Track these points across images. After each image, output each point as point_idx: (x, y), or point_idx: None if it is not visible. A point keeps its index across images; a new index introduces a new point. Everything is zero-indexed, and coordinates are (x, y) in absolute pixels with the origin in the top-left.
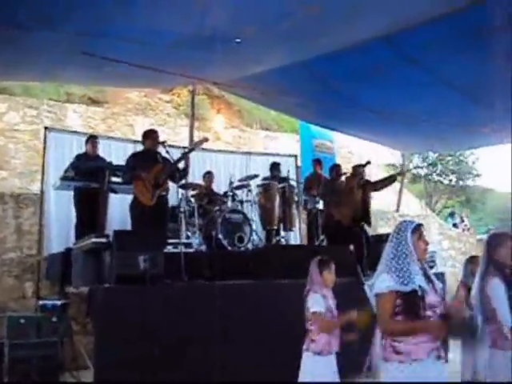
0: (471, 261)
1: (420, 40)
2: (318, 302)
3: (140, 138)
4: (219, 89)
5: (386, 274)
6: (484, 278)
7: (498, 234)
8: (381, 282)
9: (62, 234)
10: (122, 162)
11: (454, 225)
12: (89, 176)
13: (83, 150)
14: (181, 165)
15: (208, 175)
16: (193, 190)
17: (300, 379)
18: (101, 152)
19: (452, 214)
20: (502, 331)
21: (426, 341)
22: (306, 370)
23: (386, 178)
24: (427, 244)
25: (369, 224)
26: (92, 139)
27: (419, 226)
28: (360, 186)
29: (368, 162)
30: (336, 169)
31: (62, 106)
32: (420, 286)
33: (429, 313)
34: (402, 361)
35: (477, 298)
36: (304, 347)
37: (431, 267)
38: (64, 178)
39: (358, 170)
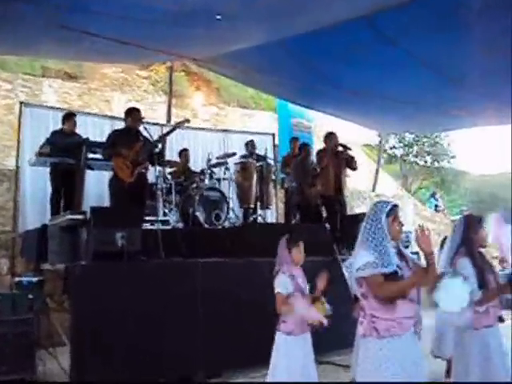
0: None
1: (399, 21)
2: (284, 283)
3: (117, 114)
4: (198, 66)
5: (365, 251)
6: (453, 258)
7: (475, 216)
8: (360, 261)
9: (37, 210)
10: (99, 139)
11: (436, 206)
12: (65, 152)
13: (59, 125)
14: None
15: (184, 152)
16: (170, 167)
17: (272, 359)
18: (78, 128)
19: (433, 195)
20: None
21: (406, 317)
22: (277, 350)
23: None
24: (401, 225)
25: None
26: (70, 117)
27: (394, 207)
28: (333, 154)
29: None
30: (304, 147)
31: (38, 80)
32: (398, 266)
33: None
34: (382, 337)
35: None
36: (277, 327)
37: (406, 247)
38: (40, 154)
39: (331, 138)
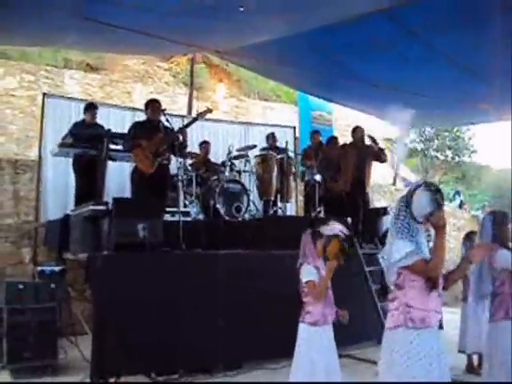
0: (470, 237)
1: (421, 15)
2: (311, 272)
3: (138, 106)
4: (219, 58)
5: (404, 241)
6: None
7: (502, 212)
8: (401, 249)
9: (59, 200)
10: (120, 130)
11: (461, 202)
12: (87, 143)
13: (81, 116)
14: (180, 137)
15: (204, 144)
16: (190, 158)
17: (296, 350)
18: (99, 119)
19: (458, 193)
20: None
21: (437, 310)
22: (301, 341)
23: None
24: None
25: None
26: (91, 108)
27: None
28: (359, 148)
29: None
30: (333, 140)
31: (60, 71)
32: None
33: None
34: (415, 328)
35: (477, 275)
36: (300, 319)
37: (427, 241)
38: (62, 145)
39: (358, 132)
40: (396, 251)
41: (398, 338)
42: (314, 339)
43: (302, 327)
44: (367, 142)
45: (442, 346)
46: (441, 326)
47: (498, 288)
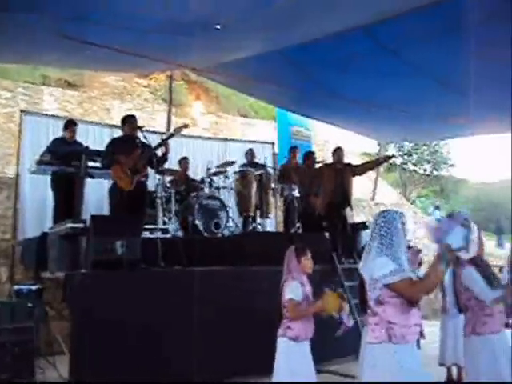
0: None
1: (397, 31)
2: (295, 289)
3: (117, 123)
4: (197, 75)
5: (388, 259)
6: (457, 269)
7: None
8: (386, 267)
9: (37, 218)
10: (99, 147)
11: (439, 219)
12: (65, 160)
13: (59, 134)
14: (159, 151)
15: (184, 161)
16: (169, 175)
17: (276, 364)
18: (77, 136)
19: (438, 208)
20: (478, 317)
21: (417, 324)
22: (281, 356)
23: (369, 161)
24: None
25: (350, 207)
26: (71, 125)
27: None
28: (338, 169)
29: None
30: (309, 156)
31: (38, 88)
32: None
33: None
34: (396, 343)
35: (450, 290)
36: (280, 333)
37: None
38: (40, 162)
39: (338, 153)
40: (379, 268)
41: (379, 352)
42: (294, 354)
43: (281, 342)
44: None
45: (419, 359)
46: (422, 336)
47: (467, 302)
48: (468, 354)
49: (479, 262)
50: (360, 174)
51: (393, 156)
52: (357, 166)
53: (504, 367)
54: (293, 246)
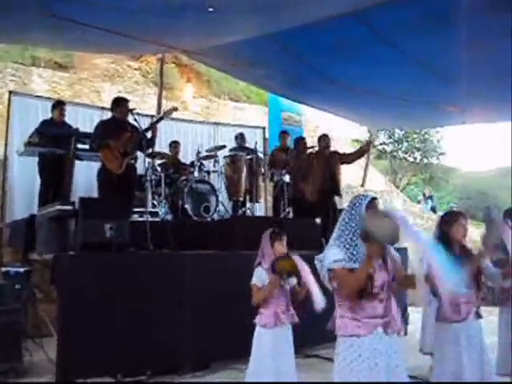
0: None
1: (390, 18)
2: (260, 275)
3: (107, 105)
4: (189, 58)
5: (337, 247)
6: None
7: (452, 212)
8: (331, 256)
9: (25, 200)
10: (89, 129)
11: (433, 208)
12: (54, 142)
13: (49, 115)
14: (148, 134)
15: (174, 144)
16: (159, 159)
17: (251, 351)
18: (67, 118)
19: (430, 197)
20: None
21: (371, 317)
22: (254, 342)
23: (355, 152)
24: None
25: (339, 195)
26: (59, 105)
27: (373, 200)
28: (326, 157)
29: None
30: (300, 141)
31: (27, 69)
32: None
33: (376, 290)
34: (349, 335)
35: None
36: (255, 320)
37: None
38: (28, 144)
39: (324, 140)
40: (328, 257)
41: (339, 341)
42: (263, 341)
43: (256, 329)
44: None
45: (392, 349)
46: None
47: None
48: (435, 339)
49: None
50: (347, 163)
51: (371, 142)
52: (344, 154)
53: (467, 357)
54: (269, 230)
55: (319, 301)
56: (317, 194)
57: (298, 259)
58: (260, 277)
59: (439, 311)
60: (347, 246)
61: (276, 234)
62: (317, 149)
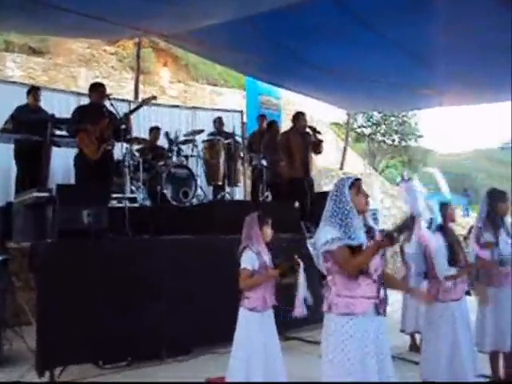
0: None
1: (368, 0)
2: (251, 259)
3: (83, 91)
4: (166, 42)
5: (330, 226)
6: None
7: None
8: (327, 235)
9: (1, 187)
10: (65, 115)
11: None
12: (30, 128)
13: (24, 101)
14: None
15: (155, 130)
16: (137, 144)
17: (236, 335)
18: (43, 104)
19: (410, 179)
20: (440, 284)
21: (366, 296)
22: (241, 326)
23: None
24: (367, 197)
25: (308, 174)
26: (34, 90)
27: (357, 180)
28: (301, 135)
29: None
30: (272, 125)
31: (1, 55)
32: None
33: (372, 271)
34: (342, 314)
35: (419, 258)
36: (240, 303)
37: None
38: (3, 130)
39: (298, 118)
40: (321, 237)
41: (331, 322)
42: (253, 324)
43: (241, 312)
44: (308, 131)
45: (380, 330)
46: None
47: (431, 271)
48: (428, 319)
49: (448, 231)
50: (316, 150)
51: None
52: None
53: (462, 334)
54: (255, 213)
55: (302, 309)
56: (298, 175)
57: (301, 268)
58: (251, 260)
59: (432, 291)
60: (340, 223)
61: (263, 218)
62: (291, 127)
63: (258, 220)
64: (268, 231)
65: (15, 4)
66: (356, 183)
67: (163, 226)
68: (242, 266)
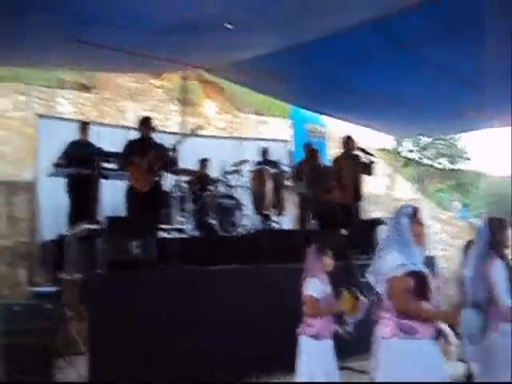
0: (470, 245)
1: (410, 24)
2: (315, 286)
3: (132, 124)
4: (210, 74)
5: (397, 252)
6: (484, 261)
7: (497, 218)
8: (395, 260)
9: (54, 221)
10: (114, 148)
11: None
12: (80, 163)
13: (75, 136)
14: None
15: (204, 162)
16: (186, 175)
17: (298, 363)
18: (93, 138)
19: (466, 206)
20: (500, 314)
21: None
22: (302, 354)
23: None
24: (423, 228)
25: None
26: (83, 125)
27: (415, 210)
28: (350, 158)
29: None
30: (311, 152)
31: (53, 91)
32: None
33: (430, 295)
34: (406, 337)
35: (473, 283)
36: (300, 331)
37: None
38: (57, 165)
39: (346, 141)
40: (388, 262)
41: (393, 347)
42: (315, 352)
43: (302, 339)
44: (358, 153)
45: (435, 354)
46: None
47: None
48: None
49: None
50: (366, 172)
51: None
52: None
53: None
54: (314, 245)
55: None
56: (349, 200)
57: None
58: (315, 288)
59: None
60: (403, 252)
61: (322, 249)
62: (341, 152)
63: (317, 252)
64: (328, 261)
65: (64, 42)
66: (414, 213)
67: (211, 257)
68: (307, 292)
